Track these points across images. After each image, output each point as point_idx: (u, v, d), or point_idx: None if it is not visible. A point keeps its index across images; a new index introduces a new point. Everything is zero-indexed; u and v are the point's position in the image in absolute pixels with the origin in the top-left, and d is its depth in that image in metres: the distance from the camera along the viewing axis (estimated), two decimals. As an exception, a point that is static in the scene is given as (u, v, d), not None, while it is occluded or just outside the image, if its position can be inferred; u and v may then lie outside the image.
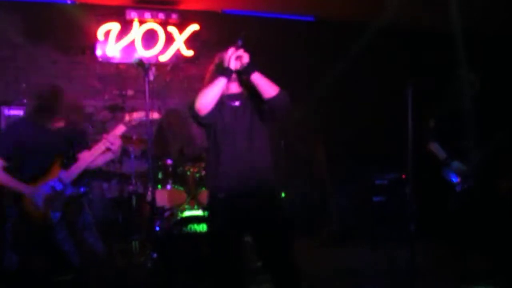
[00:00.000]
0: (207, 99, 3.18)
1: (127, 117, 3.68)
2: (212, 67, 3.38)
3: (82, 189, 3.63)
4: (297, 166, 6.67)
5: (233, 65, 3.18)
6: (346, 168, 6.63)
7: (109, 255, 4.78)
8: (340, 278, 4.73)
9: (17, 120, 3.80)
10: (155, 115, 3.67)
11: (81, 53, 6.19)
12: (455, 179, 4.40)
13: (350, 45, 6.50)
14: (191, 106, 3.25)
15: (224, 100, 3.32)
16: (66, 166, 3.59)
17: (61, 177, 3.55)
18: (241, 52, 3.18)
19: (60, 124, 3.70)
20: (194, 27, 6.45)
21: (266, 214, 3.27)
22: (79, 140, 3.77)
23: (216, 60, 3.36)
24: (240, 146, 3.24)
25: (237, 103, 3.35)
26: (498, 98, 4.70)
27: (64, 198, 3.55)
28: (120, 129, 3.67)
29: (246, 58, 3.19)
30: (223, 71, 3.21)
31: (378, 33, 6.47)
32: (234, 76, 3.28)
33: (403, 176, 6.06)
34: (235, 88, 3.36)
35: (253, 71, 3.19)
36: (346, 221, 6.33)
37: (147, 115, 3.53)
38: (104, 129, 6.06)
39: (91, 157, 3.62)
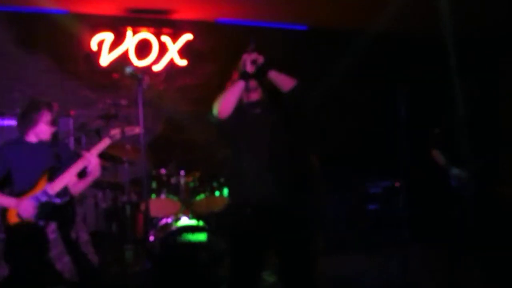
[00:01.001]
0: (227, 101, 3.21)
1: (112, 132, 3.69)
2: (230, 84, 3.38)
3: (65, 198, 3.62)
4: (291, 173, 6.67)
5: (250, 67, 3.22)
6: (340, 176, 6.64)
7: (103, 265, 4.78)
8: (335, 286, 4.73)
9: (6, 142, 3.82)
10: (136, 130, 3.69)
11: (74, 63, 6.20)
12: (454, 186, 4.44)
13: (343, 53, 6.53)
14: (211, 113, 3.28)
15: (245, 108, 3.34)
16: (52, 179, 3.61)
17: (46, 189, 3.57)
18: (255, 55, 3.24)
19: (46, 136, 3.72)
20: (187, 36, 6.47)
21: (288, 227, 3.20)
22: (66, 154, 3.78)
23: (234, 77, 3.36)
24: (263, 156, 3.22)
25: (258, 111, 3.37)
26: (494, 105, 4.73)
27: (50, 207, 3.56)
28: (105, 142, 3.69)
29: (260, 59, 3.26)
30: (240, 75, 3.25)
31: (371, 40, 6.50)
32: (253, 83, 3.32)
33: (397, 184, 6.08)
34: (255, 95, 3.38)
35: (269, 69, 3.26)
36: (341, 228, 6.33)
37: (131, 130, 3.60)
38: (98, 138, 6.07)
39: (73, 172, 3.64)
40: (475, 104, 4.44)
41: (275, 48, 6.70)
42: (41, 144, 3.72)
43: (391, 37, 6.90)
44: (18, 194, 3.58)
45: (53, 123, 3.71)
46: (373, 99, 6.90)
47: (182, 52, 6.48)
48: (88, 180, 3.76)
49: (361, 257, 5.62)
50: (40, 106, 3.67)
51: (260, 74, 3.28)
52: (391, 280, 4.60)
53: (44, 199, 3.55)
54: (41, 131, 3.69)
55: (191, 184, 5.15)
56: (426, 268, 4.81)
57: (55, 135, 3.79)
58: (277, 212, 3.19)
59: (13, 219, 3.53)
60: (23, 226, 3.53)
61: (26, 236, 3.55)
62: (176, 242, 4.65)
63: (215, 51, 6.61)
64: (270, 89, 3.35)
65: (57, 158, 3.68)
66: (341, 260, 5.58)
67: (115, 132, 3.69)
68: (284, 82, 3.28)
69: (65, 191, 3.65)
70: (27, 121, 3.67)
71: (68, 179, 3.63)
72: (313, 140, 6.26)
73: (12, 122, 5.22)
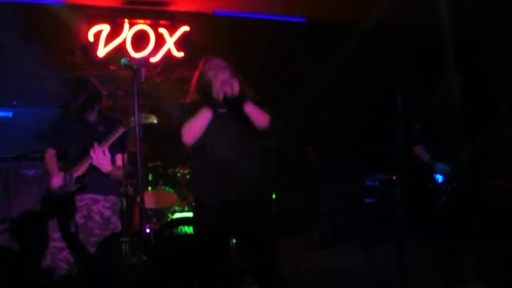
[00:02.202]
0: (193, 132, 3.14)
1: (131, 119, 3.54)
2: (197, 74, 3.35)
3: (76, 186, 3.60)
4: (288, 167, 6.67)
5: (221, 97, 3.05)
6: (338, 169, 6.64)
7: (100, 257, 4.78)
8: (331, 279, 4.74)
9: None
10: (154, 119, 3.63)
11: (71, 54, 6.17)
12: (440, 180, 4.43)
13: (341, 46, 6.51)
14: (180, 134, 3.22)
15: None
16: (82, 161, 3.60)
17: (73, 171, 3.60)
18: (229, 81, 3.05)
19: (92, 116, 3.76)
20: (184, 28, 6.45)
21: (251, 221, 3.23)
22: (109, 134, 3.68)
23: (201, 66, 3.32)
24: (227, 153, 3.18)
25: (224, 110, 3.25)
26: (482, 98, 4.71)
27: (52, 199, 3.56)
28: (119, 131, 3.60)
29: (235, 87, 3.04)
30: (210, 101, 3.10)
31: (368, 34, 6.49)
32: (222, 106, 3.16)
33: (394, 177, 6.08)
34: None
35: (244, 101, 3.10)
36: (337, 222, 6.34)
37: (147, 118, 3.57)
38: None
39: (87, 163, 3.58)
40: (465, 97, 4.42)
41: (273, 41, 6.76)
42: (89, 122, 3.75)
43: (389, 30, 6.88)
44: (64, 167, 3.65)
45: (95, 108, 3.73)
46: (371, 92, 6.87)
47: (179, 44, 6.46)
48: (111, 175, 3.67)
49: (358, 250, 5.62)
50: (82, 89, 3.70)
51: (233, 106, 3.12)
52: (387, 273, 4.60)
53: (68, 178, 3.58)
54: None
55: (188, 176, 5.13)
56: (422, 261, 4.81)
57: (100, 114, 3.83)
58: (239, 205, 3.19)
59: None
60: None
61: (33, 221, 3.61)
62: (172, 234, 4.65)
63: (212, 43, 6.58)
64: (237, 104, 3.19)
65: (95, 136, 3.60)
66: (338, 253, 5.59)
67: (132, 120, 3.54)
68: (257, 119, 3.15)
69: (81, 178, 3.62)
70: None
71: (84, 168, 3.60)
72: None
73: (9, 114, 5.20)
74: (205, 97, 3.17)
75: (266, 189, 3.45)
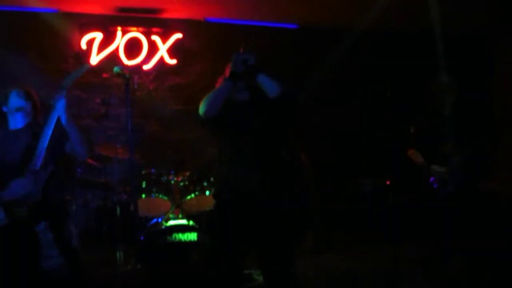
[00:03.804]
0: (213, 102, 3.15)
1: None
2: (221, 79, 3.33)
3: None
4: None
5: (239, 68, 3.14)
6: (331, 174, 6.65)
7: (94, 265, 4.77)
8: (326, 283, 4.74)
9: None
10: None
11: (64, 62, 6.18)
12: (435, 184, 4.45)
13: (334, 51, 6.54)
14: (198, 112, 3.21)
15: (232, 106, 3.25)
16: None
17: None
18: (246, 55, 3.15)
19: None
20: (177, 35, 6.47)
21: (274, 225, 3.14)
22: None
23: (227, 73, 3.28)
24: (250, 147, 3.14)
25: (246, 109, 3.26)
26: (476, 100, 4.71)
27: (42, 206, 3.51)
28: None
29: (251, 60, 3.15)
30: (229, 74, 3.17)
31: (361, 38, 6.52)
32: (242, 83, 3.23)
33: (387, 182, 6.10)
34: (244, 95, 3.31)
35: (259, 71, 3.16)
36: (332, 226, 6.35)
37: None
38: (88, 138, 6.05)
39: None
40: (460, 99, 4.44)
41: (265, 47, 6.76)
42: (22, 131, 3.59)
43: (383, 34, 6.92)
44: None
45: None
46: (363, 96, 6.91)
47: (172, 51, 6.48)
48: None
49: (352, 255, 5.63)
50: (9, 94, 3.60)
51: (249, 75, 3.18)
52: (382, 277, 4.61)
53: None
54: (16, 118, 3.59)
55: (181, 184, 5.14)
56: (416, 264, 4.84)
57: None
58: (260, 208, 3.12)
59: None
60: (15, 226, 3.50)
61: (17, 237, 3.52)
62: (167, 241, 4.65)
63: (204, 50, 6.62)
64: (259, 90, 3.25)
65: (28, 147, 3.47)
66: (332, 257, 5.59)
67: None
68: (271, 88, 3.17)
69: None
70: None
71: None
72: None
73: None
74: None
75: (290, 190, 3.37)
